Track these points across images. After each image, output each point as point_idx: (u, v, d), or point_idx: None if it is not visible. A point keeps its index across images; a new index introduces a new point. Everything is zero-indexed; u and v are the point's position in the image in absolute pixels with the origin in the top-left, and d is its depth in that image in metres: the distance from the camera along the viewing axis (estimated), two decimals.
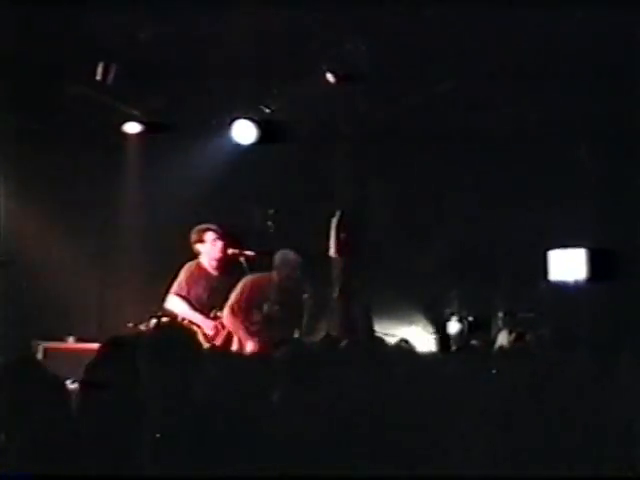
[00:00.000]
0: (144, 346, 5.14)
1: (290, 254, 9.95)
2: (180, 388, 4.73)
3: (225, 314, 9.84)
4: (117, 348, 5.62)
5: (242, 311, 9.79)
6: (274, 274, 9.94)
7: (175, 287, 9.99)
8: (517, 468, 4.56)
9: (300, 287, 9.94)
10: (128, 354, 5.24)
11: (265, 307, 9.82)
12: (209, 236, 10.10)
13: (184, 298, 9.93)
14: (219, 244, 10.08)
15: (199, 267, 10.10)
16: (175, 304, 9.94)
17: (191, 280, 10.02)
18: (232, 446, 4.12)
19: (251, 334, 9.71)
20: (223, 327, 9.95)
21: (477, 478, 3.29)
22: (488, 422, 5.12)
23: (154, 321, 10.14)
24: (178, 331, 5.80)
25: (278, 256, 9.99)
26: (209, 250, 10.09)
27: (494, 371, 4.98)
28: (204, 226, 10.16)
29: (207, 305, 10.00)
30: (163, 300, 10.00)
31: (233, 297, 9.82)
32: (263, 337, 9.59)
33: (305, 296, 9.85)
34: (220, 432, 4.21)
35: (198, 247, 10.13)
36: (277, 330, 9.56)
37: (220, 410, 4.45)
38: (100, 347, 5.78)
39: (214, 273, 10.12)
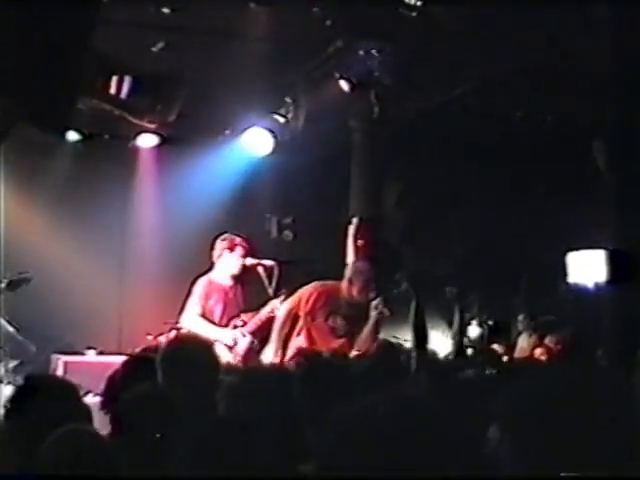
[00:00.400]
0: (161, 362, 5.14)
1: (365, 265, 9.77)
2: (201, 403, 4.72)
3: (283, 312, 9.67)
4: (139, 364, 5.65)
5: (306, 318, 9.60)
6: (344, 285, 9.67)
7: (189, 305, 9.91)
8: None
9: (369, 301, 9.53)
10: (150, 370, 5.27)
11: (330, 320, 9.63)
12: (238, 250, 9.99)
13: (200, 315, 9.85)
14: (242, 258, 9.99)
15: (211, 282, 10.01)
16: (191, 322, 9.85)
17: (205, 296, 9.94)
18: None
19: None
20: (244, 336, 9.92)
21: (477, 478, 3.24)
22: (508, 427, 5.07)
23: (173, 333, 10.13)
24: (194, 345, 5.75)
25: (352, 267, 9.83)
26: (233, 261, 10.00)
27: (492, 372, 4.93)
28: (236, 240, 10.03)
29: (224, 318, 9.95)
30: (180, 315, 9.96)
31: (300, 302, 9.66)
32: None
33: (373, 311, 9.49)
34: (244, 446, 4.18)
35: (224, 254, 10.00)
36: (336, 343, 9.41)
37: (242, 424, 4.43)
38: (123, 363, 5.81)
39: (228, 284, 10.04)
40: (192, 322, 9.79)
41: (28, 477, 3.32)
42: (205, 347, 5.73)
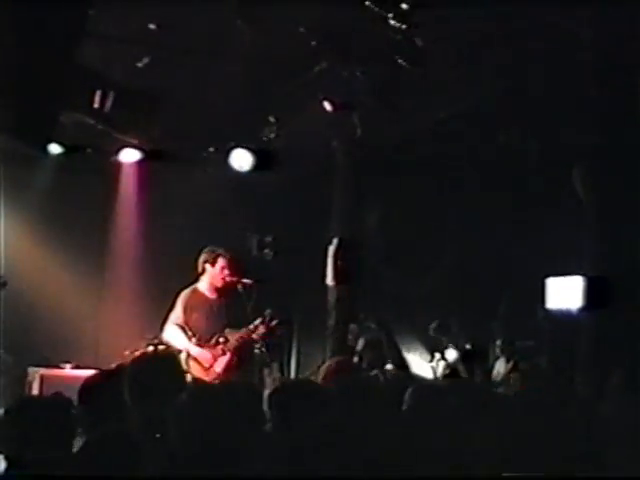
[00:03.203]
0: (128, 375, 5.13)
1: (375, 335, 9.76)
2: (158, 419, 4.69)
3: None
4: (106, 378, 5.67)
5: None
6: (356, 359, 9.65)
7: (172, 317, 9.91)
8: None
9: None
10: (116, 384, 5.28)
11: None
12: (220, 262, 10.04)
13: (182, 328, 9.85)
14: (226, 271, 10.03)
15: (196, 293, 10.05)
16: (173, 335, 9.85)
17: (189, 308, 9.95)
18: None
19: None
20: (224, 353, 9.91)
21: (477, 478, 3.27)
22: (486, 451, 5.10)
23: (151, 348, 10.12)
24: (160, 360, 5.75)
25: (363, 340, 9.83)
26: (216, 274, 10.03)
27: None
28: (217, 251, 10.10)
29: (207, 331, 9.95)
30: (161, 329, 9.95)
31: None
32: None
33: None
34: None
35: (207, 267, 10.06)
36: None
37: (196, 442, 4.41)
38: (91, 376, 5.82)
39: (212, 297, 10.07)
40: (173, 335, 9.81)
41: (25, 477, 3.30)
42: (169, 361, 5.73)
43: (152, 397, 4.98)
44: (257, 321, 9.88)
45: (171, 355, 7.03)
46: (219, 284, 10.01)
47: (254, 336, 9.90)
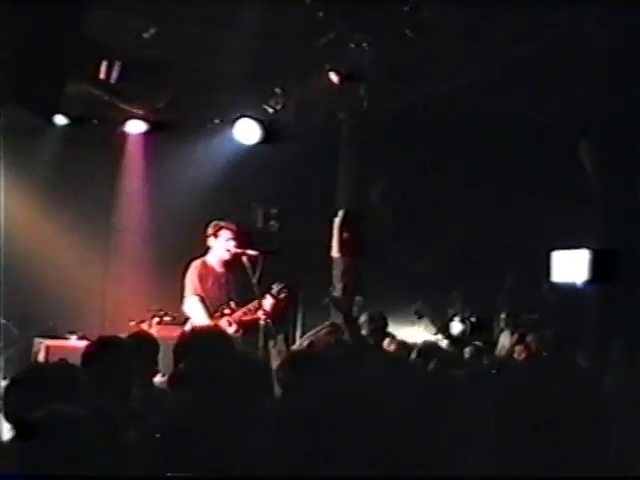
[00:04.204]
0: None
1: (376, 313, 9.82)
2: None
3: None
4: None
5: None
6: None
7: (190, 288, 9.89)
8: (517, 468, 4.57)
9: None
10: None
11: None
12: (223, 234, 10.05)
13: (202, 301, 9.85)
14: (231, 243, 10.03)
15: (205, 265, 10.06)
16: (194, 306, 9.84)
17: (202, 278, 9.99)
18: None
19: None
20: (230, 324, 9.94)
21: (477, 478, 3.28)
22: (487, 423, 5.12)
23: (156, 320, 10.16)
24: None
25: (366, 315, 9.88)
26: (221, 247, 10.04)
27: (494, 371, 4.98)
28: (221, 223, 10.10)
29: (217, 301, 9.96)
30: (181, 300, 9.93)
31: None
32: None
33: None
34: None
35: (211, 241, 10.08)
36: None
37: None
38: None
39: (220, 270, 10.09)
40: (195, 306, 9.79)
41: (25, 477, 3.30)
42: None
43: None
44: (265, 294, 9.90)
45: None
46: (225, 257, 10.02)
47: (261, 309, 9.92)
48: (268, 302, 9.81)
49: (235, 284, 9.99)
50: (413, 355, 6.54)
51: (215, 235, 10.00)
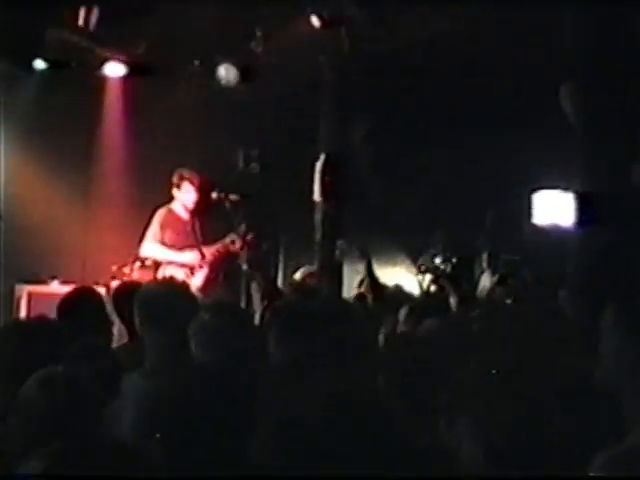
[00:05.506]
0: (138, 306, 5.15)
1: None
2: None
3: None
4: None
5: None
6: None
7: (150, 234, 10.10)
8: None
9: None
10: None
11: None
12: (185, 186, 10.16)
13: (159, 243, 10.02)
14: (193, 195, 10.15)
15: (171, 212, 10.23)
16: (151, 250, 10.03)
17: (164, 225, 10.12)
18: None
19: None
20: (201, 267, 10.02)
21: (477, 478, 3.30)
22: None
23: (138, 264, 10.20)
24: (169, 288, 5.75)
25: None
26: (183, 198, 10.18)
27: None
28: (184, 174, 10.17)
29: (181, 248, 10.09)
30: (140, 243, 10.09)
31: None
32: None
33: None
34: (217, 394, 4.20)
35: (174, 191, 10.21)
36: None
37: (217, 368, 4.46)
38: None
39: (186, 217, 10.20)
40: (152, 250, 9.97)
41: (25, 477, 3.30)
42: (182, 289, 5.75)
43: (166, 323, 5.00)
44: (232, 235, 9.98)
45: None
46: (188, 204, 10.15)
47: (231, 250, 10.01)
48: (238, 244, 9.91)
49: (202, 229, 10.08)
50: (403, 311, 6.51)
51: (177, 186, 10.14)
